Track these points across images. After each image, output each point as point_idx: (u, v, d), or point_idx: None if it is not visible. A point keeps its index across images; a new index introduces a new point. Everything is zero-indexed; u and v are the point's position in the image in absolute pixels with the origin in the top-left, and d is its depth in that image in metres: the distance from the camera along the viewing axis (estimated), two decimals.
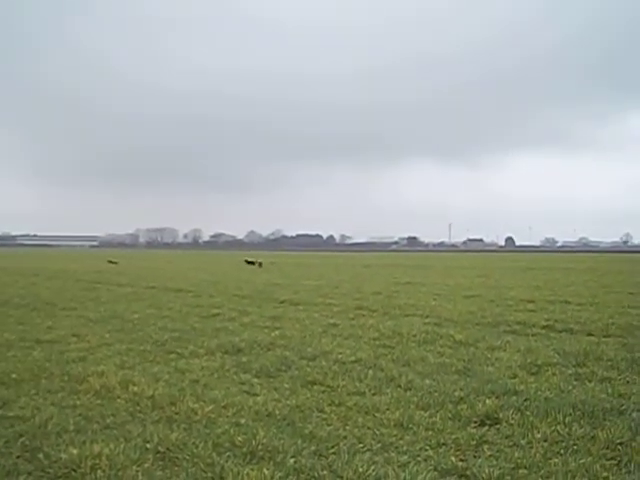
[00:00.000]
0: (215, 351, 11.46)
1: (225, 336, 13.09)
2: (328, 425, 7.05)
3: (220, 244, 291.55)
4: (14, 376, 9.34)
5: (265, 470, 5.59)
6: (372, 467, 5.68)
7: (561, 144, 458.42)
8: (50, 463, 5.88)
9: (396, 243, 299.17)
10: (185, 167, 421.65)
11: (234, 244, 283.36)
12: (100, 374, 9.38)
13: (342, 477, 5.52)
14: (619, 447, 6.22)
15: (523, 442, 6.43)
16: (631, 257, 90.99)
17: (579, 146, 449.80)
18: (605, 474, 5.55)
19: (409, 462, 5.89)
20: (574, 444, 6.35)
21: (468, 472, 5.65)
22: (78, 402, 7.98)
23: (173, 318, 16.28)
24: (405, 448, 6.31)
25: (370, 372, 9.66)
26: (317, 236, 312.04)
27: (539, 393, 8.22)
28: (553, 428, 6.78)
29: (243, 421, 7.14)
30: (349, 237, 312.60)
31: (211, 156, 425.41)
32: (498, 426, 6.98)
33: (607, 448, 6.21)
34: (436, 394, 8.24)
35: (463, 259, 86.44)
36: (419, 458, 6.03)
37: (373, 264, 63.22)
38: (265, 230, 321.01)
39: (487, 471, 5.59)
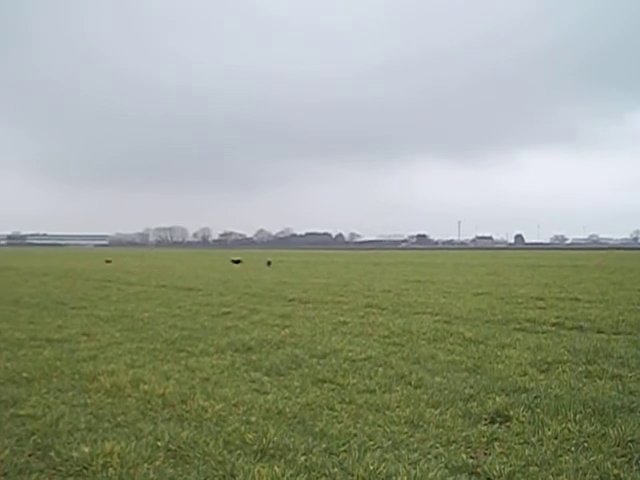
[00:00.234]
0: (225, 349, 11.47)
1: (235, 334, 13.10)
2: (339, 423, 7.05)
3: (229, 243, 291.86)
4: (25, 375, 9.37)
5: (276, 468, 5.59)
6: (383, 464, 5.68)
7: (570, 141, 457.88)
8: (62, 461, 5.90)
9: (405, 241, 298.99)
10: (195, 166, 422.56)
11: (243, 243, 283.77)
12: (111, 373, 9.40)
13: (353, 474, 5.52)
14: (630, 444, 6.21)
15: (534, 439, 6.43)
16: None
17: (588, 143, 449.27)
18: (616, 471, 5.53)
19: (420, 459, 5.89)
20: (585, 441, 6.34)
21: (479, 469, 5.64)
22: (89, 401, 8.00)
23: (183, 317, 16.31)
24: (416, 445, 6.31)
25: (380, 370, 9.66)
26: (326, 234, 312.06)
27: (549, 390, 8.20)
28: (564, 425, 6.76)
29: (253, 419, 7.15)
30: (358, 235, 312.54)
31: (221, 155, 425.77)
32: (508, 423, 6.97)
33: (618, 445, 6.20)
34: (446, 392, 8.24)
35: (472, 257, 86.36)
36: (430, 456, 6.03)
37: (382, 262, 63.22)
38: (274, 229, 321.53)
39: (498, 468, 5.59)
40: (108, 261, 64.14)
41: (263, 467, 5.64)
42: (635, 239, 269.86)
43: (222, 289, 25.16)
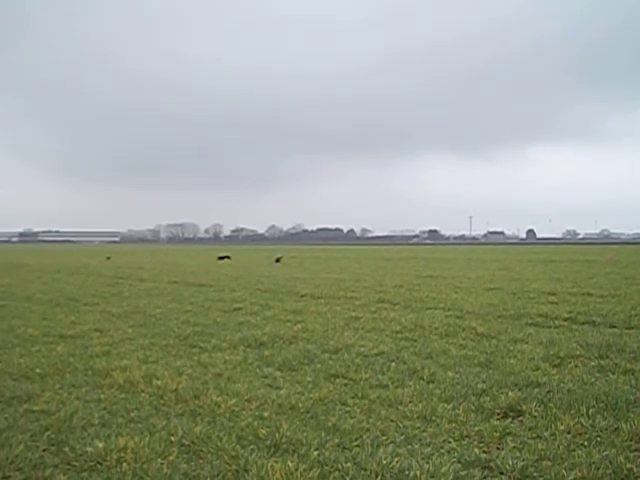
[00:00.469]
0: (238, 345, 11.50)
1: (247, 330, 13.13)
2: (351, 418, 7.06)
3: (241, 239, 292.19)
4: (38, 371, 9.41)
5: (289, 462, 5.60)
6: (396, 459, 5.68)
7: (582, 137, 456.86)
8: (76, 456, 5.93)
9: (417, 236, 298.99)
10: (207, 163, 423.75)
11: (255, 239, 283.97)
12: (123, 368, 9.43)
13: (366, 469, 5.53)
14: None
15: (546, 434, 6.42)
16: None
17: (601, 139, 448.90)
18: (629, 466, 5.52)
19: (433, 454, 5.90)
20: (597, 436, 6.33)
21: (492, 464, 5.64)
22: (102, 396, 8.04)
23: (195, 312, 16.35)
24: (428, 440, 6.32)
25: (393, 365, 9.67)
26: (337, 230, 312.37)
27: (562, 385, 8.19)
28: (576, 420, 6.75)
29: (266, 414, 7.17)
30: (369, 231, 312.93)
31: (232, 152, 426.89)
32: (521, 418, 6.96)
33: (631, 440, 6.18)
34: (459, 386, 8.24)
35: (484, 252, 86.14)
36: (442, 450, 6.03)
37: (394, 257, 63.18)
38: (286, 224, 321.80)
39: (511, 463, 5.58)
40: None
41: (276, 462, 5.65)
42: None
43: (234, 285, 25.19)
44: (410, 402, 7.60)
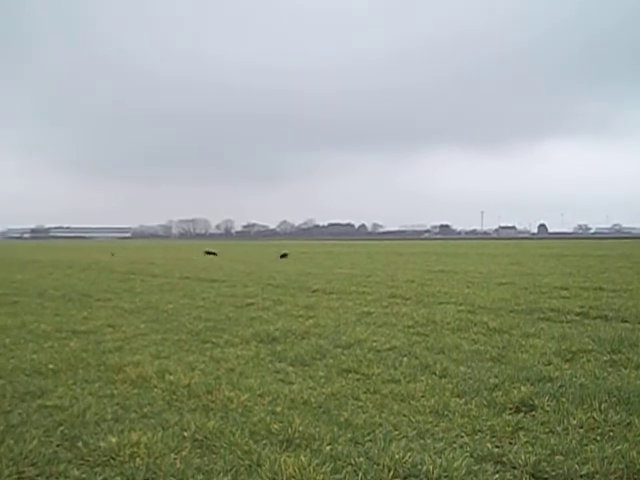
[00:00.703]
0: (250, 340, 11.52)
1: (260, 325, 13.15)
2: (364, 413, 7.07)
3: (252, 234, 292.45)
4: (51, 366, 9.45)
5: (302, 457, 5.61)
6: (408, 454, 5.69)
7: (594, 132, 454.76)
8: (89, 451, 5.96)
9: (428, 231, 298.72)
10: (218, 159, 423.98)
11: (266, 234, 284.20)
12: (136, 364, 9.47)
13: (378, 464, 5.54)
14: None
15: (559, 429, 6.41)
16: None
17: (612, 133, 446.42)
18: None
19: (445, 449, 5.90)
20: (610, 430, 6.32)
21: (504, 458, 5.64)
22: (115, 391, 8.07)
23: (207, 308, 16.38)
24: (441, 435, 6.32)
25: (405, 360, 9.67)
26: (349, 225, 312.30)
27: (574, 380, 8.18)
28: (589, 415, 6.74)
29: (279, 409, 7.18)
30: (381, 226, 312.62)
31: (244, 148, 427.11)
32: (533, 413, 6.96)
33: None
34: (471, 381, 8.24)
35: (496, 246, 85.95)
36: (455, 445, 6.04)
37: (406, 252, 63.10)
38: (297, 220, 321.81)
39: (523, 457, 5.58)
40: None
41: (289, 457, 5.66)
42: None
43: (246, 280, 25.22)
44: (422, 397, 7.60)
